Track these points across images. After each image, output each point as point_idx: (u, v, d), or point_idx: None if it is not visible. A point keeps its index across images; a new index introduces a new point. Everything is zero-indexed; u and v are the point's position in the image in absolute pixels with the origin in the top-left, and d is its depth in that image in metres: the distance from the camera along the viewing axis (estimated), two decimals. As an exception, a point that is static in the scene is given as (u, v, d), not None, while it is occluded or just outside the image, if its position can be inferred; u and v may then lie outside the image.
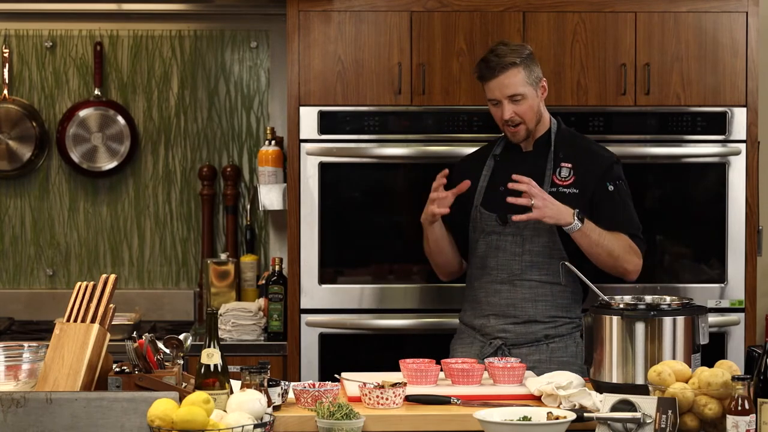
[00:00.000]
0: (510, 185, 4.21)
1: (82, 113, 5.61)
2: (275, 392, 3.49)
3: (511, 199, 4.20)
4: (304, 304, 4.99)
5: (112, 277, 3.54)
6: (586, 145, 4.49)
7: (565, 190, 4.36)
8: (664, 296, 3.94)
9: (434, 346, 4.61)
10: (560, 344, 4.34)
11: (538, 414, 3.33)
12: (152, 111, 5.67)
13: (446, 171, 4.34)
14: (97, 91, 5.62)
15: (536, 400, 3.65)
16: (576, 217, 4.20)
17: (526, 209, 4.20)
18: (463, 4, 4.97)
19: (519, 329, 4.33)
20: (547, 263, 4.34)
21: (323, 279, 4.98)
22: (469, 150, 4.85)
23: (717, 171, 5.00)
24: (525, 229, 4.33)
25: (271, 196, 5.21)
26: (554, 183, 4.35)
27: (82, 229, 5.67)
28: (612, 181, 4.39)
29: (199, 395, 3.19)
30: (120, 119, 5.62)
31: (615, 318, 3.72)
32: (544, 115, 4.43)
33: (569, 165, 4.38)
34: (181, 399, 3.24)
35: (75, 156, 5.61)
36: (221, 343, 3.40)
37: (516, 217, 4.20)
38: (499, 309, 4.35)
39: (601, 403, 3.39)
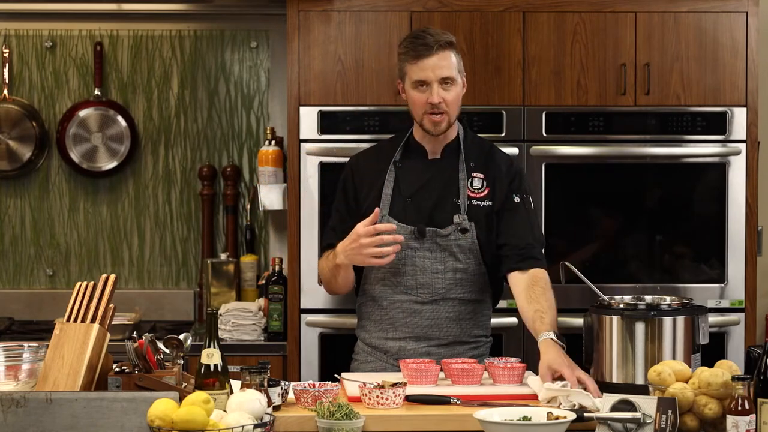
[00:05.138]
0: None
1: (82, 113, 5.62)
2: (275, 392, 3.49)
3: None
4: (304, 304, 4.99)
5: (112, 277, 3.54)
6: (492, 152, 4.17)
7: (479, 202, 4.09)
8: (664, 296, 3.94)
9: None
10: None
11: (538, 414, 3.33)
12: (152, 111, 5.67)
13: (377, 211, 3.94)
14: (97, 91, 5.62)
15: (536, 399, 3.65)
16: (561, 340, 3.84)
17: (447, 219, 4.03)
18: (463, 4, 4.97)
19: (443, 352, 4.07)
20: (470, 280, 4.09)
21: (323, 279, 4.98)
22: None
23: (717, 171, 5.00)
24: (447, 244, 4.05)
25: (271, 196, 5.21)
26: (468, 196, 4.09)
27: (82, 229, 5.67)
28: (518, 192, 4.10)
29: (199, 395, 3.19)
30: (120, 119, 5.62)
31: (615, 318, 3.72)
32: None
33: (481, 176, 4.10)
34: (181, 399, 3.24)
35: (75, 156, 5.61)
36: (221, 343, 3.40)
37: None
38: (421, 330, 4.08)
39: (601, 403, 3.39)
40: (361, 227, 3.92)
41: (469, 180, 4.09)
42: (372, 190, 4.12)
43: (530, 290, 3.97)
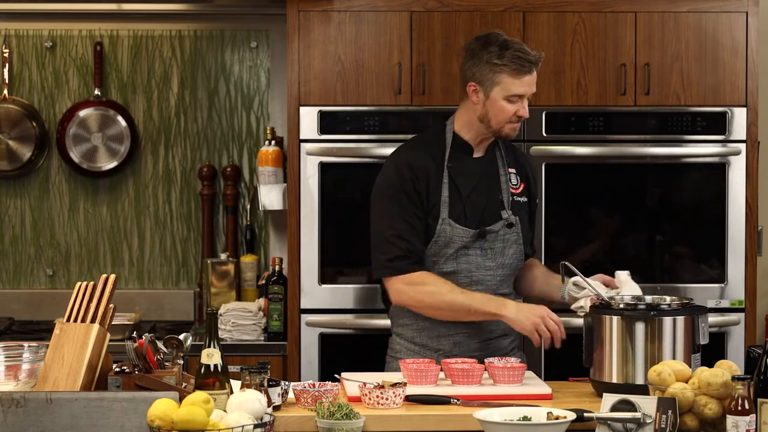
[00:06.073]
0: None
1: (82, 113, 5.62)
2: (275, 392, 3.49)
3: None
4: (304, 304, 4.99)
5: (112, 277, 3.54)
6: (514, 148, 4.33)
7: (519, 198, 4.21)
8: (664, 296, 3.94)
9: (434, 346, 4.61)
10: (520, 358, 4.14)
11: (538, 414, 3.33)
12: (152, 111, 5.67)
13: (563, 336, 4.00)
14: (97, 91, 5.62)
15: (536, 399, 3.66)
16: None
17: (495, 215, 4.14)
18: (463, 4, 4.97)
19: (492, 345, 4.16)
20: (513, 275, 4.22)
21: (323, 279, 4.98)
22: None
23: (717, 171, 5.00)
24: (495, 241, 4.15)
25: (271, 196, 5.21)
26: (510, 192, 4.21)
27: (82, 229, 5.67)
28: (538, 196, 4.33)
29: (199, 395, 3.19)
30: (120, 119, 5.62)
31: (615, 318, 3.72)
32: None
33: (514, 171, 4.24)
34: (181, 399, 3.24)
35: (75, 156, 5.61)
36: (221, 343, 3.40)
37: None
38: (476, 325, 4.14)
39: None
40: (553, 316, 3.99)
41: (508, 176, 4.21)
42: (432, 191, 4.14)
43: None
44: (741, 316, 5.01)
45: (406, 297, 4.11)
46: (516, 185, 4.21)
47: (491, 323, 4.13)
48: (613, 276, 4.06)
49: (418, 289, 4.08)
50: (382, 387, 3.54)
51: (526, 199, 4.23)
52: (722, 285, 5.01)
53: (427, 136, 4.29)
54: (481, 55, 4.09)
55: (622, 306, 3.76)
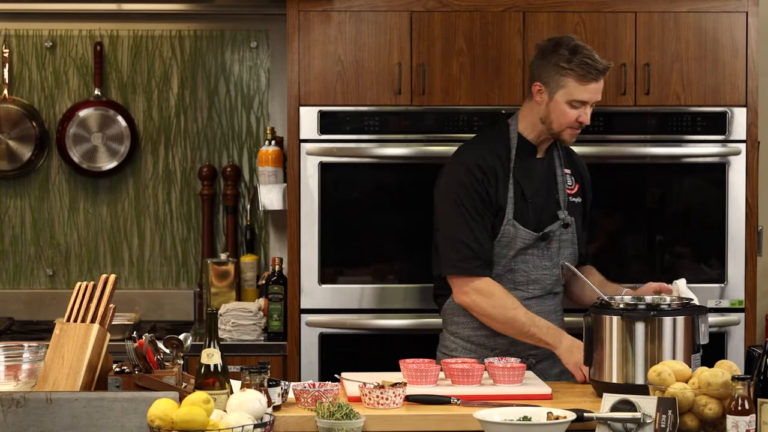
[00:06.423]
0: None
1: (82, 113, 5.61)
2: (275, 392, 3.49)
3: None
4: (304, 304, 4.99)
5: (112, 277, 3.54)
6: (570, 150, 4.41)
7: (574, 199, 4.31)
8: (664, 296, 3.94)
9: (434, 346, 4.61)
10: None
11: (538, 414, 3.33)
12: (152, 111, 5.67)
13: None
14: (97, 91, 5.62)
15: (536, 399, 3.66)
16: None
17: (552, 215, 4.19)
18: (463, 4, 4.97)
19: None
20: (567, 275, 4.29)
21: (323, 279, 4.98)
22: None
23: (717, 171, 5.00)
24: (552, 241, 4.23)
25: (271, 196, 5.21)
26: (566, 193, 4.30)
27: (82, 229, 5.67)
28: (591, 195, 4.37)
29: (199, 395, 3.19)
30: (120, 119, 5.62)
31: (615, 318, 3.72)
32: None
33: (569, 171, 4.34)
34: (181, 399, 3.24)
35: (75, 156, 5.61)
36: (221, 343, 3.40)
37: None
38: None
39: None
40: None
41: (564, 177, 4.28)
42: (500, 191, 4.20)
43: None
44: (741, 316, 5.01)
45: (469, 300, 4.16)
46: (571, 186, 4.30)
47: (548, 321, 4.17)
48: (664, 282, 4.11)
49: (485, 298, 4.13)
50: (382, 387, 3.54)
51: (580, 200, 4.32)
52: (722, 285, 5.01)
53: (492, 134, 4.33)
54: (550, 56, 4.15)
55: (622, 306, 3.76)
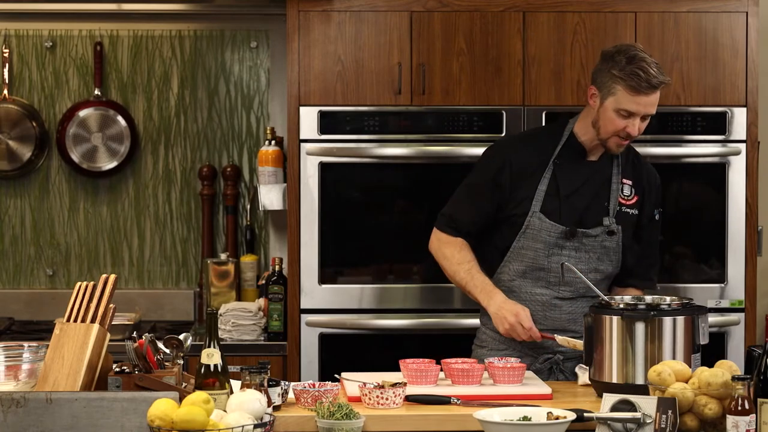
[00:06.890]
0: None
1: (82, 113, 5.62)
2: (275, 392, 3.49)
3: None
4: (304, 304, 4.99)
5: (112, 277, 3.54)
6: (639, 160, 4.33)
7: (628, 210, 4.24)
8: (664, 296, 3.94)
9: (434, 346, 4.62)
10: None
11: (538, 414, 3.33)
12: (152, 111, 5.67)
13: (538, 336, 4.09)
14: (97, 91, 5.62)
15: (536, 399, 3.66)
16: None
17: (596, 220, 4.17)
18: (463, 4, 4.97)
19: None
20: (606, 281, 4.26)
21: (323, 279, 4.98)
22: (469, 151, 4.86)
23: (717, 171, 5.00)
24: (593, 245, 4.19)
25: (271, 196, 5.21)
26: (618, 202, 4.24)
27: (82, 229, 5.67)
28: (659, 209, 4.32)
29: (199, 395, 3.19)
30: (120, 119, 5.62)
31: (615, 318, 3.72)
32: None
33: (630, 182, 4.27)
34: (181, 399, 3.24)
35: (75, 156, 5.61)
36: (221, 343, 3.40)
37: None
38: (559, 324, 4.19)
39: None
40: (526, 322, 4.10)
41: (621, 186, 4.23)
42: (526, 182, 4.21)
43: None
44: (741, 316, 5.01)
45: (433, 249, 4.33)
46: (628, 196, 4.24)
47: (578, 323, 4.14)
48: None
49: (441, 247, 4.29)
50: (382, 387, 3.54)
51: (636, 212, 4.25)
52: (722, 285, 5.01)
53: (545, 128, 4.41)
54: (608, 62, 4.15)
55: (622, 306, 3.76)
